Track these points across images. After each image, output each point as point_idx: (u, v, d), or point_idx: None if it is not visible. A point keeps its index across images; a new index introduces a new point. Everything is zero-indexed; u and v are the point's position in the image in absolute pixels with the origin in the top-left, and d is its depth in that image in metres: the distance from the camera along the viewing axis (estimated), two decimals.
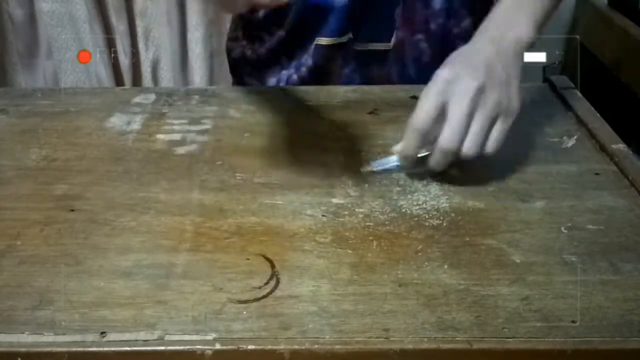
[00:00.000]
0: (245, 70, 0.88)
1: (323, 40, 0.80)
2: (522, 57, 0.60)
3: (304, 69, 0.82)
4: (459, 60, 0.59)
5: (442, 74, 0.57)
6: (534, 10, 0.62)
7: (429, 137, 0.57)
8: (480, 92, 0.56)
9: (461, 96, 0.55)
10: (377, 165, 0.62)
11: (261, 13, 0.83)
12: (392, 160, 0.61)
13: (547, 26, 0.63)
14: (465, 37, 0.69)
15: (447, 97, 0.56)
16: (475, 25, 0.68)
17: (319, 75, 0.82)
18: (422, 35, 0.80)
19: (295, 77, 0.83)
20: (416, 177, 0.61)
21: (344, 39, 0.80)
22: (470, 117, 0.56)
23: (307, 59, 0.82)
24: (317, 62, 0.81)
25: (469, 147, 0.56)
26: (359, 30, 0.80)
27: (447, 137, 0.56)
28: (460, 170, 0.61)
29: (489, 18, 0.63)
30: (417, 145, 0.58)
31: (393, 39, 0.80)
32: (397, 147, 0.59)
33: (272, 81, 0.85)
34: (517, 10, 0.62)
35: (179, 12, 1.47)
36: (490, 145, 0.57)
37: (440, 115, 0.56)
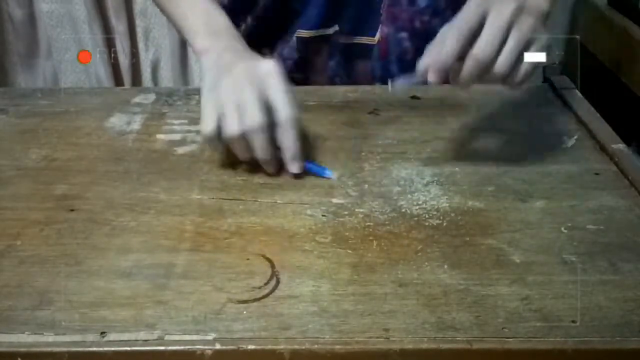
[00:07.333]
0: None
1: (303, 33, 0.80)
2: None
3: (289, 62, 0.82)
4: None
5: None
6: None
7: (465, 50, 0.55)
8: (518, 11, 0.55)
9: (501, 9, 0.55)
10: (401, 81, 0.60)
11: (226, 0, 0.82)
12: (415, 76, 0.58)
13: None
14: None
15: (487, 8, 0.55)
16: None
17: (304, 68, 0.82)
18: (406, 34, 0.80)
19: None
20: (416, 177, 0.61)
21: (330, 31, 0.79)
22: (507, 31, 0.55)
23: (290, 52, 0.81)
24: (302, 55, 0.81)
25: (502, 62, 0.55)
26: (344, 23, 0.80)
27: (482, 47, 0.55)
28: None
29: None
30: (455, 50, 0.55)
31: (377, 34, 0.80)
32: (427, 58, 0.57)
33: None
34: None
35: None
36: (524, 68, 0.56)
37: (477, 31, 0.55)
